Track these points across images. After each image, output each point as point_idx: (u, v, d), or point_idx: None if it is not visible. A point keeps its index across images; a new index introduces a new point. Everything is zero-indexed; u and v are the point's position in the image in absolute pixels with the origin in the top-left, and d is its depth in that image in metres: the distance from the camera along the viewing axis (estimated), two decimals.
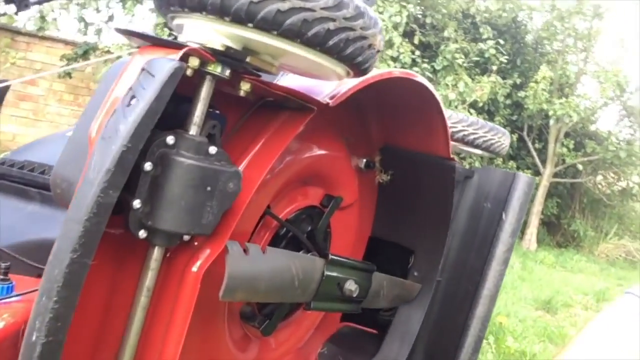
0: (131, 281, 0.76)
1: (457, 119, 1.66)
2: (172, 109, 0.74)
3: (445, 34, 7.41)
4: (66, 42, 7.10)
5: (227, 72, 0.69)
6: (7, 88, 1.47)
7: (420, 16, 7.77)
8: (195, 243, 0.78)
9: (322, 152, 1.25)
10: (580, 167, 9.02)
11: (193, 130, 0.71)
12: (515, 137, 8.59)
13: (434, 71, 7.35)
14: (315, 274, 1.04)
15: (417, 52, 7.15)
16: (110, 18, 6.79)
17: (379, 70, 1.01)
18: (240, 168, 0.82)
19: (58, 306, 0.55)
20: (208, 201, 0.70)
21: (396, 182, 1.50)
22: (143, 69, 0.61)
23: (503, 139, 1.77)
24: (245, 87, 0.73)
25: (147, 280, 0.72)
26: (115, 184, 0.57)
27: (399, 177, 1.49)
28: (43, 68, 6.76)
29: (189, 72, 0.65)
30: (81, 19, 6.71)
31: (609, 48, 9.05)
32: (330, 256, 1.10)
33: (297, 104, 0.86)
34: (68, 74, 6.49)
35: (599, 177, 10.27)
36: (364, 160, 1.44)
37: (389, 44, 6.54)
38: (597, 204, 10.21)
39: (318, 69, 0.74)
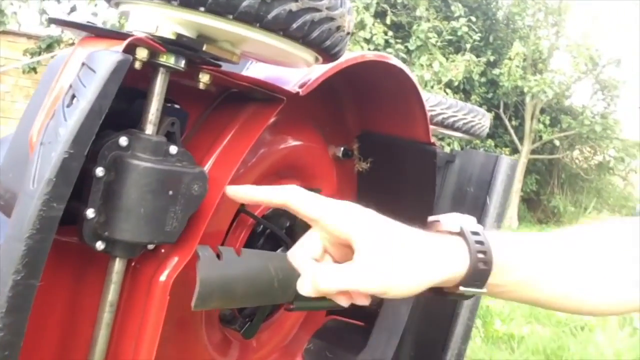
0: (94, 297, 0.70)
1: (435, 101, 1.62)
2: (124, 105, 0.67)
3: (417, 13, 7.37)
4: (29, 36, 6.89)
5: (182, 63, 0.63)
6: None
7: None
8: (162, 251, 0.72)
9: (297, 143, 1.19)
10: (557, 142, 9.12)
11: (149, 130, 0.64)
12: (491, 115, 8.62)
13: (408, 51, 7.31)
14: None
15: (390, 33, 7.10)
16: (73, 9, 6.51)
17: (351, 54, 0.95)
18: (206, 168, 0.76)
19: (3, 334, 0.48)
20: (171, 206, 0.64)
21: (376, 170, 1.45)
22: (83, 64, 0.54)
23: (483, 121, 1.73)
24: (204, 78, 0.66)
25: (110, 294, 0.66)
26: (59, 196, 0.50)
27: (378, 165, 1.44)
28: (6, 64, 6.54)
29: (137, 64, 0.58)
30: (42, 12, 6.45)
31: (580, 22, 9.10)
32: None
33: (264, 95, 0.79)
34: (33, 69, 6.27)
35: (576, 152, 10.39)
36: (342, 149, 1.39)
37: (361, 25, 6.48)
38: (575, 179, 10.36)
39: (284, 56, 0.68)
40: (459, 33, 7.55)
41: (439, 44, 7.26)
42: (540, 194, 9.92)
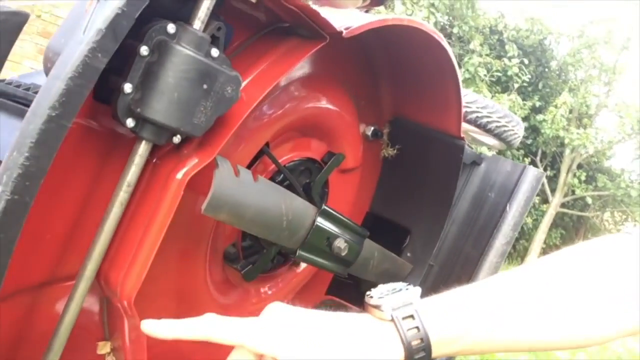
0: (115, 180, 0.73)
1: (472, 98, 1.62)
2: (177, 5, 0.71)
3: (471, 46, 7.38)
4: None
5: None
6: (25, 18, 1.45)
7: (447, 26, 7.74)
8: (185, 151, 0.75)
9: (331, 107, 1.21)
10: (589, 200, 8.94)
11: (197, 25, 0.67)
12: (527, 161, 8.53)
13: None
14: (306, 220, 1.01)
15: None
16: None
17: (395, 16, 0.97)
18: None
19: (29, 164, 0.52)
20: (203, 100, 0.67)
21: (401, 158, 1.46)
22: None
23: (517, 128, 1.72)
24: None
25: (129, 175, 0.69)
26: (105, 48, 0.54)
27: (405, 153, 1.46)
28: None
29: None
30: None
31: (633, 84, 8.96)
32: (324, 207, 1.06)
33: (309, 31, 0.82)
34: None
35: (607, 214, 10.16)
36: (372, 128, 1.41)
37: None
38: None
39: None
40: (509, 73, 7.52)
41: (487, 79, 7.25)
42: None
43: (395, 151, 1.45)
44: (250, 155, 0.99)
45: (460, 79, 1.30)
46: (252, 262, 1.15)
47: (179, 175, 0.73)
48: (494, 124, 1.62)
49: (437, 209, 1.48)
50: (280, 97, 1.00)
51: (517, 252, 9.23)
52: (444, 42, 1.16)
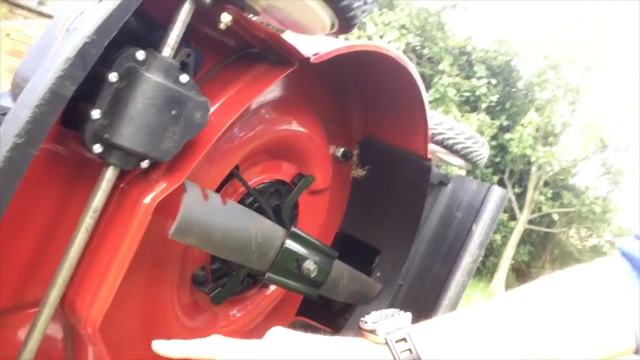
0: (82, 205, 0.72)
1: (438, 120, 1.66)
2: (147, 32, 0.72)
3: (441, 67, 7.54)
4: None
5: None
6: None
7: (418, 47, 7.90)
8: (153, 175, 0.75)
9: (301, 129, 1.23)
10: (555, 217, 9.15)
11: (166, 52, 0.68)
12: (496, 178, 8.70)
13: None
14: (275, 242, 1.02)
15: None
16: None
17: (365, 42, 1.00)
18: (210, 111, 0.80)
19: None
20: (171, 125, 0.68)
21: (371, 178, 1.49)
22: None
23: (482, 149, 1.77)
24: (226, 19, 0.71)
25: (96, 200, 0.68)
26: (73, 76, 0.54)
27: (374, 173, 1.48)
28: None
29: None
30: None
31: (596, 104, 9.28)
32: (293, 229, 1.07)
33: (278, 56, 0.84)
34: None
35: (573, 230, 10.40)
36: (342, 149, 1.43)
37: None
38: (568, 257, 10.33)
39: (304, 13, 0.72)
40: (477, 93, 7.71)
41: (456, 98, 7.40)
42: (531, 265, 9.89)
43: (364, 172, 1.47)
44: (220, 177, 0.99)
45: (427, 101, 1.33)
46: (222, 284, 1.15)
47: (147, 200, 0.73)
48: (460, 145, 1.66)
49: (405, 229, 1.51)
50: (250, 121, 1.01)
51: (486, 269, 9.36)
52: (410, 67, 1.19)
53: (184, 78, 0.70)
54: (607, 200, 9.13)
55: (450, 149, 1.66)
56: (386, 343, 0.60)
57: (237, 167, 1.03)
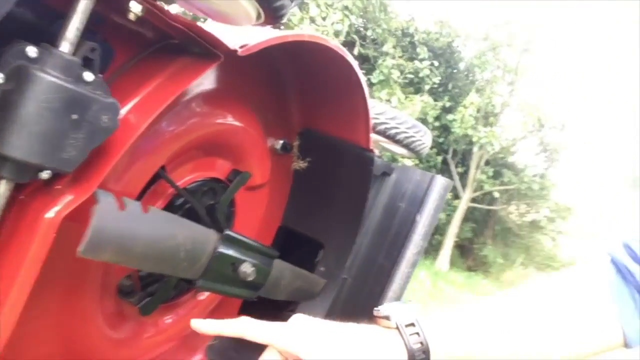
0: None
1: (380, 110, 1.62)
2: (42, 24, 0.62)
3: (385, 48, 7.54)
4: None
5: None
6: None
7: (362, 28, 7.86)
8: (57, 187, 0.66)
9: (235, 123, 1.15)
10: (496, 195, 9.43)
11: (65, 47, 0.59)
12: (440, 158, 8.86)
13: (370, 84, 7.45)
14: (207, 248, 0.94)
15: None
16: None
17: (296, 32, 0.93)
18: (123, 111, 0.71)
19: None
20: (72, 132, 0.59)
21: (312, 171, 1.43)
22: None
23: (424, 138, 1.74)
24: (135, 8, 0.62)
25: None
26: None
27: (315, 165, 1.42)
28: None
29: None
30: None
31: (534, 85, 9.57)
32: (226, 232, 1.00)
33: (202, 49, 0.76)
34: None
35: (513, 207, 10.78)
36: (281, 142, 1.36)
37: None
38: (508, 233, 10.72)
39: (225, 3, 0.65)
40: (421, 74, 7.77)
41: (400, 80, 7.44)
42: (474, 242, 10.19)
43: (306, 164, 1.41)
44: (143, 180, 0.91)
45: (368, 91, 1.28)
46: (151, 293, 1.07)
47: (50, 214, 0.64)
48: (403, 135, 1.63)
49: (349, 222, 1.46)
50: (175, 117, 0.93)
51: (432, 247, 9.58)
52: (349, 57, 1.13)
53: (88, 76, 0.61)
54: (545, 178, 9.49)
55: (393, 138, 1.62)
56: (397, 327, 0.67)
57: (163, 167, 0.94)
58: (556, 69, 9.46)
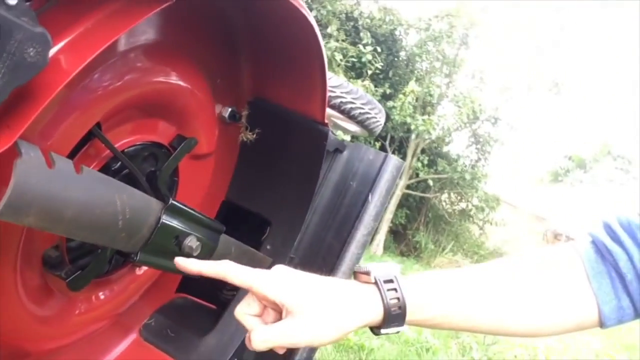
0: None
1: (336, 82, 1.54)
2: None
3: (328, 30, 7.46)
4: None
5: None
6: None
7: None
8: None
9: (181, 83, 1.04)
10: (430, 183, 9.64)
11: None
12: (378, 145, 8.94)
13: None
14: (149, 218, 0.84)
15: None
16: None
17: None
18: (54, 49, 0.59)
19: None
20: None
21: (261, 143, 1.34)
22: None
23: (379, 116, 1.68)
24: None
25: None
26: None
27: (265, 137, 1.33)
28: None
29: None
30: None
31: (469, 77, 9.82)
32: (172, 201, 0.90)
33: None
34: None
35: (445, 196, 11.08)
36: (229, 110, 1.26)
37: None
38: (439, 220, 11.02)
39: None
40: (363, 59, 7.75)
41: (342, 64, 7.39)
42: (407, 228, 10.40)
43: (254, 135, 1.32)
44: (74, 138, 0.79)
45: (326, 59, 1.20)
46: (83, 266, 0.95)
47: None
48: (358, 111, 1.56)
49: (298, 199, 1.39)
50: (114, 67, 0.81)
51: None
52: (310, 17, 1.04)
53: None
54: (476, 169, 9.80)
55: (348, 114, 1.55)
56: (375, 282, 0.69)
57: (98, 124, 0.83)
58: (492, 63, 9.74)
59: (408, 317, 0.68)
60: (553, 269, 0.75)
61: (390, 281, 0.68)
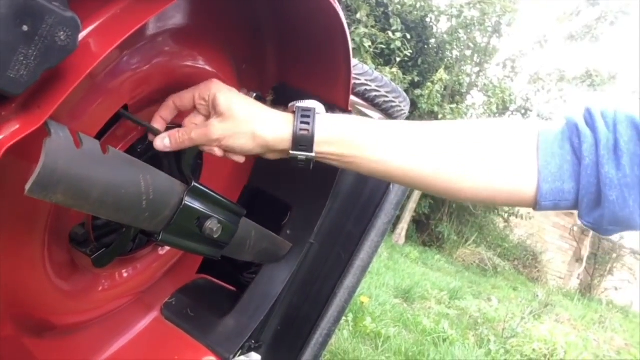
0: None
1: (361, 70, 1.54)
2: None
3: (358, 16, 7.40)
4: None
5: None
6: None
7: None
8: (2, 113, 0.57)
9: (208, 68, 1.06)
10: None
11: None
12: None
13: None
14: (172, 200, 0.86)
15: None
16: None
17: None
18: (84, 33, 0.61)
19: None
20: (22, 47, 0.49)
21: None
22: None
23: (404, 105, 1.68)
24: None
25: None
26: None
27: None
28: None
29: None
30: None
31: (500, 67, 9.64)
32: (194, 184, 0.92)
33: None
34: None
35: None
36: (254, 94, 1.27)
37: None
38: (464, 212, 10.92)
39: None
40: (392, 46, 7.68)
41: (371, 50, 7.34)
42: (430, 218, 10.35)
43: None
44: (102, 120, 0.81)
45: (351, 48, 1.20)
46: (107, 244, 0.98)
47: None
48: (382, 99, 1.55)
49: (320, 185, 1.40)
50: (143, 51, 0.83)
51: None
52: (337, 5, 1.04)
53: None
54: None
55: (372, 102, 1.55)
56: (294, 111, 0.78)
57: (125, 106, 0.85)
58: (524, 54, 9.53)
59: (318, 148, 0.75)
60: (499, 136, 0.72)
61: (307, 110, 0.77)
